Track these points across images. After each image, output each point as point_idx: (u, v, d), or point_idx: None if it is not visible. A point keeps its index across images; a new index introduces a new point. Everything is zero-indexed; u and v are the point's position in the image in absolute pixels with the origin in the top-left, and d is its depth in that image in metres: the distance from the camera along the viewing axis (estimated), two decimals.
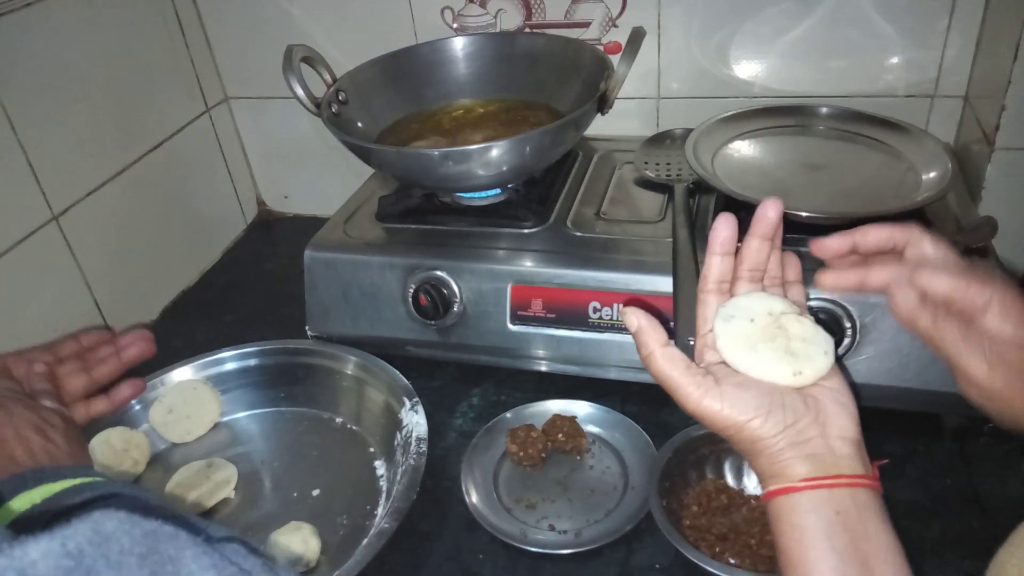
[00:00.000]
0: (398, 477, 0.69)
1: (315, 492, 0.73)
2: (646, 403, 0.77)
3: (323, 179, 1.15)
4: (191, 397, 0.80)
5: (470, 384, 0.82)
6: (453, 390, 0.82)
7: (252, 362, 0.82)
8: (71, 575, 0.28)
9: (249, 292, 1.05)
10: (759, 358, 0.45)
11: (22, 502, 0.46)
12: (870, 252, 0.49)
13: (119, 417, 0.78)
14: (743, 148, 0.85)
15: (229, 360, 0.82)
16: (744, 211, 0.77)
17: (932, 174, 0.76)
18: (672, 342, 0.47)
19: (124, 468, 0.75)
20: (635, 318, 0.47)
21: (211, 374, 0.82)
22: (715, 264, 0.50)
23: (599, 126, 0.86)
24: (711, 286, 0.50)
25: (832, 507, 0.41)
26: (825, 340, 0.47)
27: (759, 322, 0.46)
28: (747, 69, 0.94)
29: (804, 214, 0.73)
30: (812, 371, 0.45)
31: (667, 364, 0.45)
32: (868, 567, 0.40)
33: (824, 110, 0.88)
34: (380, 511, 0.69)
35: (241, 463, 0.76)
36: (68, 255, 0.87)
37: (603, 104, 0.80)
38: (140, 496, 0.47)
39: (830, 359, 0.46)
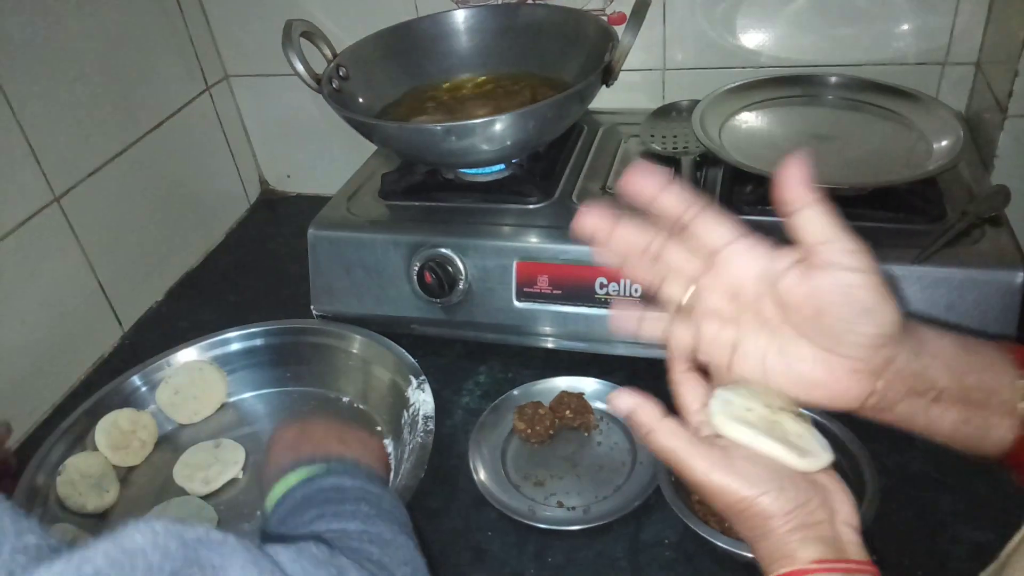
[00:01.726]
0: (406, 455, 0.69)
1: None
2: (653, 378, 0.76)
3: (326, 158, 1.14)
4: (198, 378, 0.80)
5: (476, 362, 0.82)
6: (459, 368, 0.82)
7: (258, 342, 0.82)
8: None
9: (253, 272, 1.05)
10: (764, 440, 0.42)
11: (284, 484, 0.53)
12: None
13: (125, 399, 0.78)
14: (751, 119, 0.84)
15: (235, 340, 0.82)
16: (753, 183, 0.77)
17: (944, 143, 0.75)
18: (669, 415, 0.43)
19: (132, 449, 0.75)
20: (626, 399, 0.43)
21: (217, 355, 0.81)
22: (680, 333, 0.45)
23: (603, 99, 0.84)
24: (686, 365, 0.46)
25: None
26: (821, 441, 0.44)
27: (756, 413, 0.43)
28: (754, 39, 0.92)
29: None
30: (818, 460, 0.42)
31: (670, 438, 0.42)
32: None
33: (833, 79, 0.86)
34: None
35: (249, 443, 0.76)
36: (71, 237, 0.87)
37: (608, 76, 0.79)
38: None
39: (830, 454, 0.43)
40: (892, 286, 0.39)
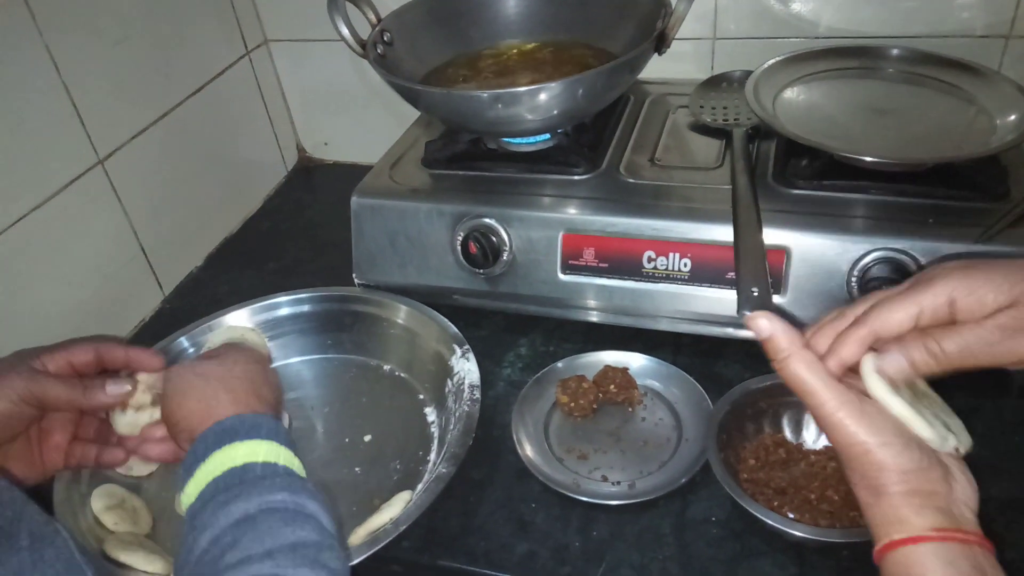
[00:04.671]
0: (450, 424, 0.68)
1: (367, 438, 0.73)
2: (698, 355, 0.75)
3: (363, 126, 1.13)
4: (239, 343, 0.80)
5: (518, 334, 0.81)
6: (501, 340, 0.81)
7: (305, 308, 0.82)
8: None
9: (291, 239, 1.04)
10: (911, 409, 0.42)
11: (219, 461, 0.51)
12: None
13: (170, 361, 0.77)
14: (806, 91, 0.81)
15: (282, 306, 0.82)
16: (807, 156, 0.75)
17: (1009, 118, 0.72)
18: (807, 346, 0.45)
19: None
20: (765, 322, 0.44)
21: (263, 319, 0.81)
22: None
23: (651, 69, 0.82)
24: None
25: (968, 561, 0.39)
26: (961, 429, 0.45)
27: (911, 386, 0.45)
28: (811, 8, 0.89)
29: (868, 159, 0.70)
30: (947, 441, 0.43)
31: (805, 368, 0.43)
32: None
33: (893, 51, 0.83)
34: (432, 457, 0.69)
35: (292, 408, 0.76)
36: (114, 199, 0.87)
37: (661, 44, 0.77)
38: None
39: (964, 443, 0.44)
40: None
